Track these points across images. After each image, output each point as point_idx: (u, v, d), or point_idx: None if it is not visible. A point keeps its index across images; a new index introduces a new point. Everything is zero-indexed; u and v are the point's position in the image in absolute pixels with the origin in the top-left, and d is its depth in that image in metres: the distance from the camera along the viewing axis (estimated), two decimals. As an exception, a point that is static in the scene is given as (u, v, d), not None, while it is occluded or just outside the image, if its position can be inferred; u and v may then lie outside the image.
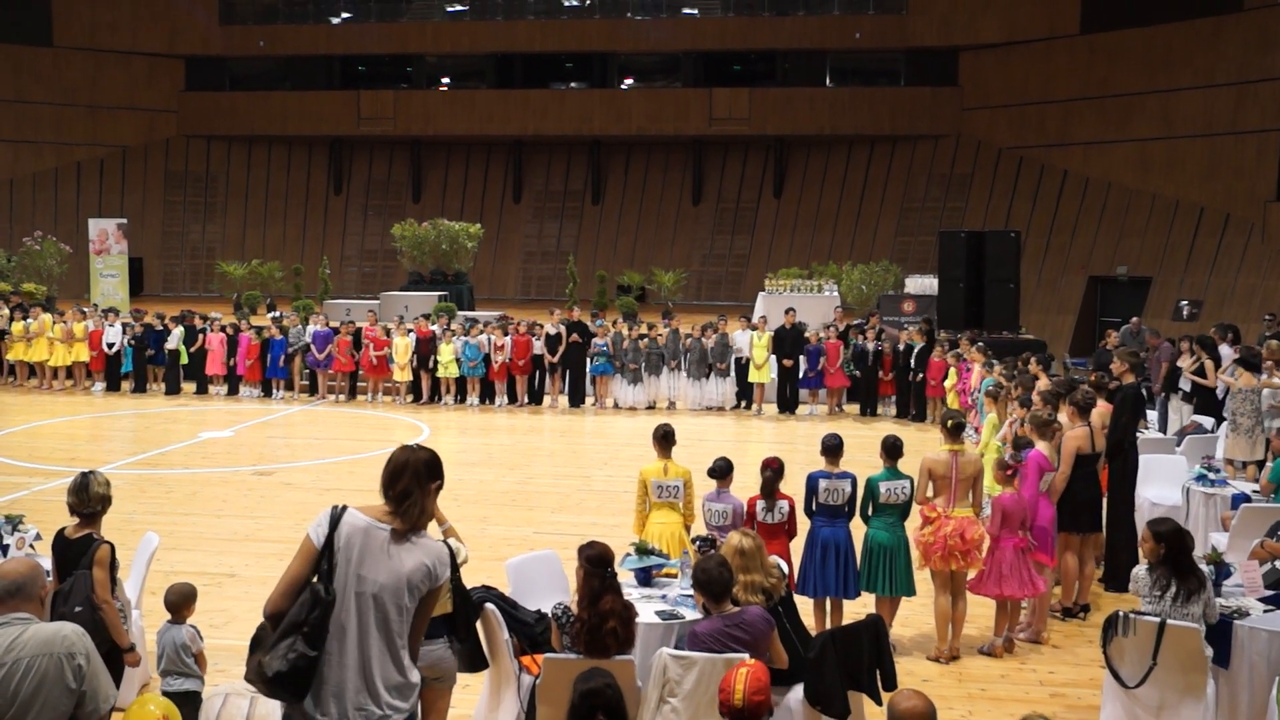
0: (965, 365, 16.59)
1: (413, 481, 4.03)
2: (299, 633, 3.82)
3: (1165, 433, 13.74)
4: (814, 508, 7.83)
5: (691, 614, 6.25)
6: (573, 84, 36.84)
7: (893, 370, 18.64)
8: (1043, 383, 10.84)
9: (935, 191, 33.16)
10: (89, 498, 5.90)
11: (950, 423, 7.96)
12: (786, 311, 19.50)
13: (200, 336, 20.35)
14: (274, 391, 20.16)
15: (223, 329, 20.31)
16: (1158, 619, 6.08)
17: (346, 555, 3.95)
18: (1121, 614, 6.22)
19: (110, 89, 35.80)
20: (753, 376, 19.00)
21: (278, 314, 23.09)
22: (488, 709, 6.21)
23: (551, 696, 5.40)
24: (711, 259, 35.20)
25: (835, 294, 24.27)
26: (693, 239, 35.49)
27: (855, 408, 19.13)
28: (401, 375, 19.59)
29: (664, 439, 8.10)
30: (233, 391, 20.32)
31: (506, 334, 19.24)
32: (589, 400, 19.46)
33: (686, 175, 36.17)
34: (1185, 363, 14.54)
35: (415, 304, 23.58)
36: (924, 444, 13.63)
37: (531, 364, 19.38)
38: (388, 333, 19.76)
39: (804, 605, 7.20)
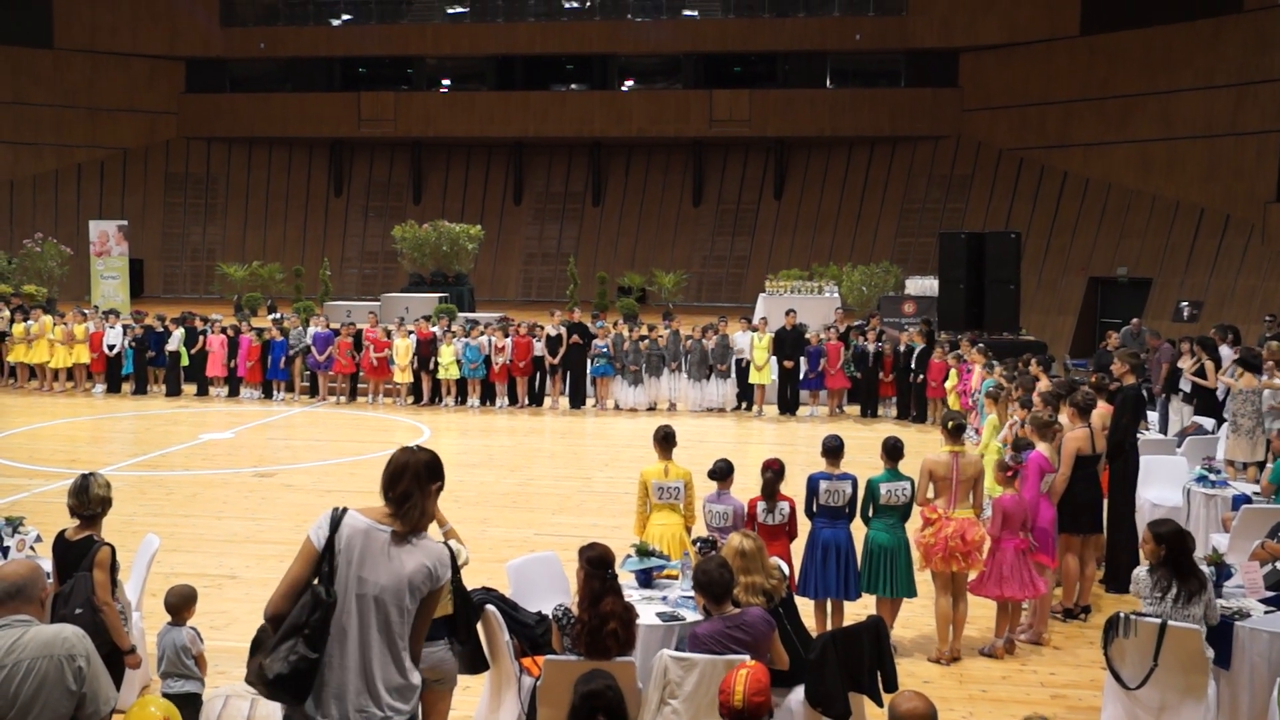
0: (966, 366, 16.60)
1: (413, 483, 4.04)
2: (300, 635, 3.82)
3: (1166, 434, 13.74)
4: (815, 509, 7.83)
5: (692, 615, 6.24)
6: (573, 86, 36.86)
7: (893, 371, 18.63)
8: (1043, 384, 10.84)
9: (935, 193, 33.17)
10: (89, 500, 5.90)
11: (951, 424, 7.96)
12: (787, 313, 19.50)
13: (201, 338, 20.36)
14: (274, 393, 20.17)
15: (223, 331, 20.32)
16: (1159, 620, 6.07)
17: (347, 557, 3.95)
18: (1122, 615, 6.21)
19: (110, 91, 35.82)
20: (753, 378, 19.00)
21: (278, 316, 23.09)
22: (488, 711, 6.20)
23: (552, 698, 5.40)
24: (712, 260, 35.20)
25: (836, 295, 24.27)
26: (693, 240, 35.50)
27: (856, 409, 19.13)
28: (402, 377, 19.60)
29: (665, 440, 8.10)
30: (233, 393, 20.33)
31: (507, 335, 19.25)
32: (590, 402, 19.46)
33: (687, 177, 36.17)
34: (1186, 364, 14.53)
35: (416, 306, 23.59)
36: (924, 445, 13.62)
37: (532, 365, 19.38)
38: (388, 334, 19.77)
39: (805, 606, 7.20)
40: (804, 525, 7.87)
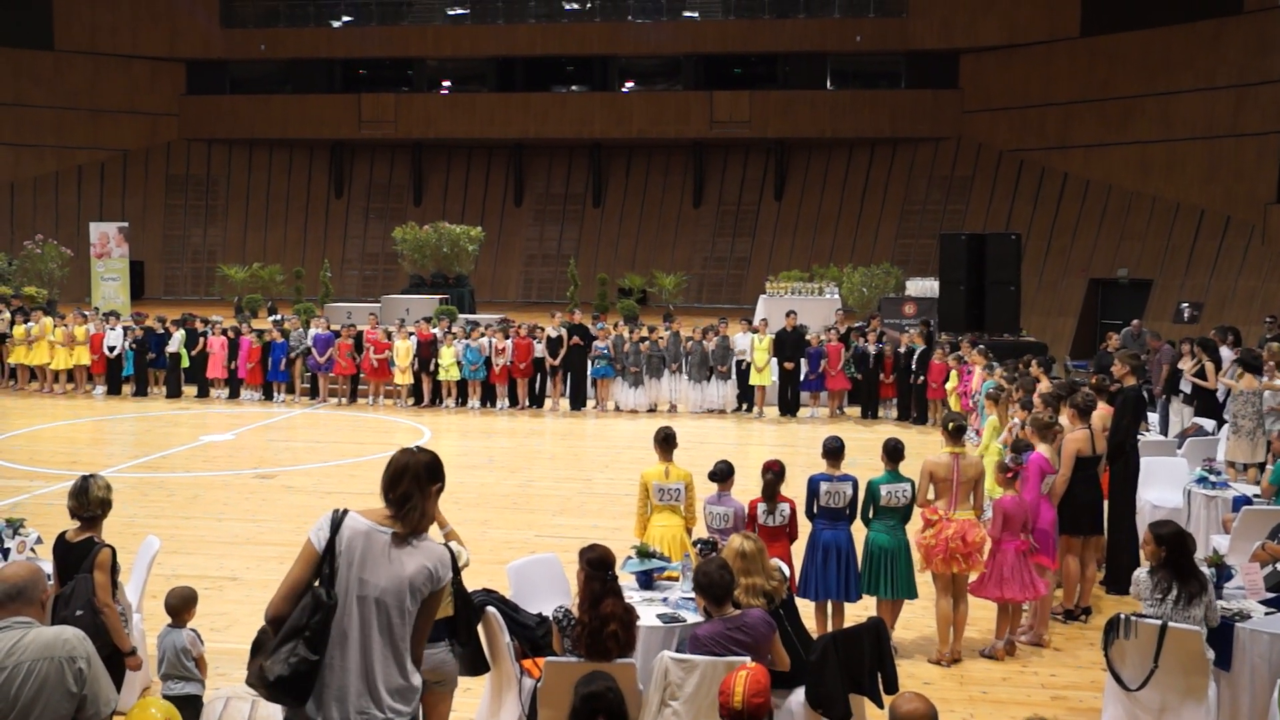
0: (966, 368, 16.60)
1: (413, 484, 4.04)
2: (300, 637, 3.82)
3: (1166, 435, 13.74)
4: (815, 510, 7.83)
5: (693, 617, 6.24)
6: (573, 87, 36.88)
7: (894, 373, 18.63)
8: (1044, 385, 10.83)
9: (936, 194, 33.18)
10: (88, 501, 5.90)
11: (951, 425, 7.96)
12: (787, 314, 19.50)
13: (201, 340, 20.37)
14: (275, 395, 20.17)
15: (224, 332, 20.32)
16: (1159, 622, 6.07)
17: (348, 559, 3.95)
18: (1123, 617, 6.21)
19: (111, 92, 35.84)
20: (754, 379, 19.00)
21: (279, 317, 23.08)
22: (489, 712, 6.20)
23: (553, 700, 5.40)
24: (712, 262, 35.21)
25: (836, 297, 24.27)
26: (694, 242, 35.51)
27: (856, 410, 19.13)
28: (403, 378, 19.60)
29: (665, 442, 8.09)
30: (234, 395, 20.34)
31: (508, 337, 19.25)
32: (590, 403, 19.46)
33: (687, 178, 36.19)
34: (1186, 365, 14.53)
35: (416, 307, 23.61)
36: (925, 447, 13.63)
37: (533, 367, 19.39)
38: (389, 336, 19.77)
39: (805, 608, 7.20)
40: (804, 527, 7.87)
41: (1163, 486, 10.51)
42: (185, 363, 20.41)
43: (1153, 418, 14.16)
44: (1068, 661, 7.88)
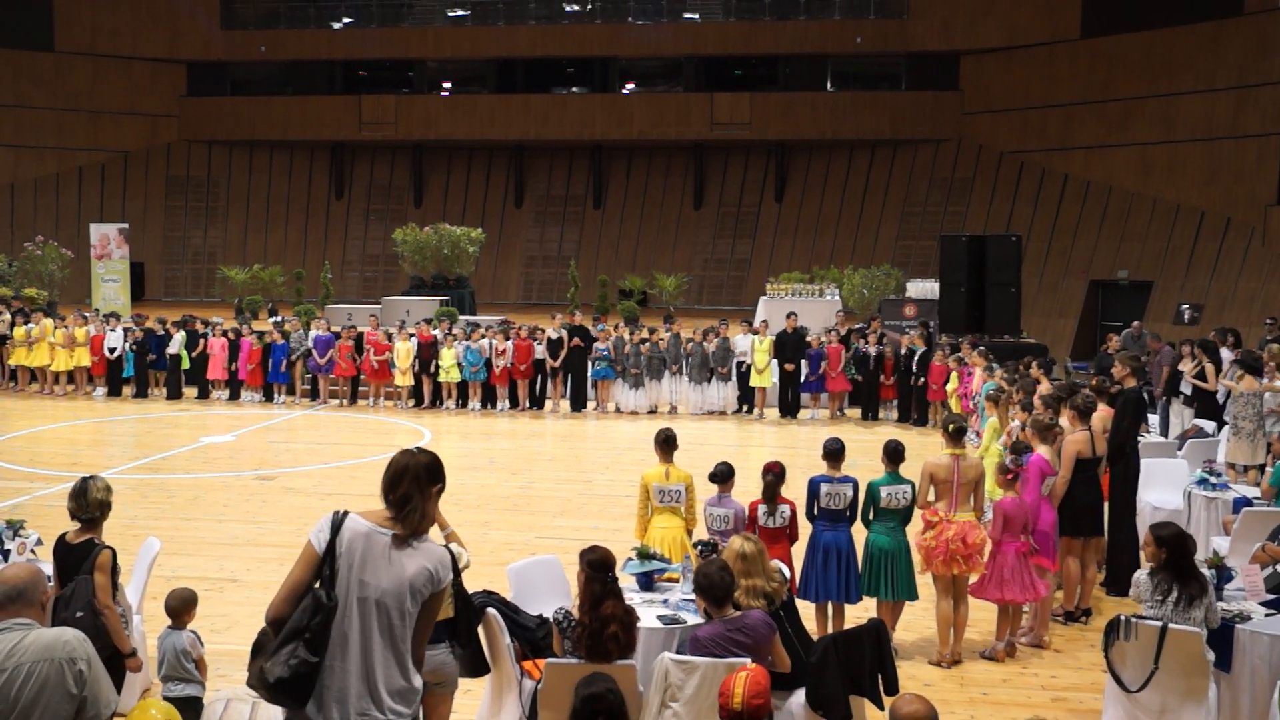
0: (967, 369, 16.59)
1: (413, 486, 4.04)
2: (301, 639, 3.82)
3: (1166, 437, 13.74)
4: (815, 512, 7.83)
5: (693, 619, 6.24)
6: (574, 89, 36.89)
7: (894, 374, 18.63)
8: (1044, 387, 10.83)
9: (936, 196, 33.18)
10: (88, 503, 5.90)
11: (951, 427, 7.96)
12: (788, 316, 19.50)
13: (202, 341, 20.38)
14: (275, 396, 20.18)
15: (224, 334, 20.33)
16: (1159, 623, 6.07)
17: (348, 561, 3.95)
18: (1123, 618, 6.21)
19: (111, 94, 35.86)
20: (754, 381, 19.00)
21: (279, 319, 23.10)
22: (489, 714, 6.20)
23: (553, 701, 5.40)
24: (713, 263, 35.22)
25: (836, 298, 24.28)
26: (694, 243, 35.52)
27: (857, 412, 19.13)
28: (403, 380, 19.60)
29: (665, 443, 8.09)
30: (234, 396, 20.34)
31: (508, 338, 19.25)
32: (590, 405, 19.46)
33: (688, 180, 36.20)
34: (1186, 366, 14.53)
35: (417, 309, 23.61)
36: (925, 448, 13.64)
37: (533, 368, 19.38)
38: (389, 337, 19.77)
39: (805, 610, 7.20)
40: (805, 528, 7.87)
41: (1163, 488, 10.52)
42: (186, 364, 20.41)
43: (1153, 419, 14.16)
44: (1068, 663, 7.88)
